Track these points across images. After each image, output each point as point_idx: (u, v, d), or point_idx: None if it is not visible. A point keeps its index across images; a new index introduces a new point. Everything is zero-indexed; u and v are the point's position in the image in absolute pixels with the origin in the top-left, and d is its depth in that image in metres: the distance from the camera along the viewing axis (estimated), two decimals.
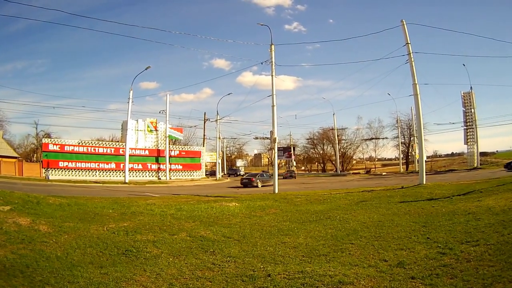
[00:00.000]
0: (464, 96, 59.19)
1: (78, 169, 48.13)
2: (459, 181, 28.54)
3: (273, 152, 29.88)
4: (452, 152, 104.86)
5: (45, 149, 46.99)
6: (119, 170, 49.81)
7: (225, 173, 79.57)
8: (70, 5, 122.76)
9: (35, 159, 74.49)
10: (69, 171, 47.26)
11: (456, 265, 6.45)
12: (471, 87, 58.15)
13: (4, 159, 49.03)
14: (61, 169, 46.76)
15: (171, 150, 56.78)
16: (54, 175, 45.42)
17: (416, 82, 26.71)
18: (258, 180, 39.47)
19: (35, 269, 6.97)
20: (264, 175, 44.93)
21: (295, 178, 62.91)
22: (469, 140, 59.73)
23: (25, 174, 45.64)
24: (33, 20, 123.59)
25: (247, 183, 39.20)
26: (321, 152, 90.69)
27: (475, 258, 6.75)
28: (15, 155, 56.23)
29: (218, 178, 59.02)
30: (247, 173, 59.96)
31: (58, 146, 47.56)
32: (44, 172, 46.11)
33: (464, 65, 56.41)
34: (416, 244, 8.30)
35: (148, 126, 55.50)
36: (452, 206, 13.68)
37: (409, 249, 7.96)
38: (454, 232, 9.11)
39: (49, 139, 52.02)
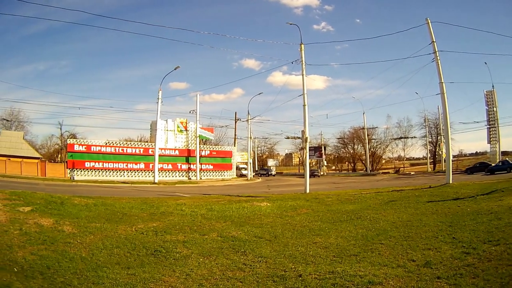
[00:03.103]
0: (487, 95, 59.64)
1: (105, 170, 49.49)
2: (482, 180, 29.11)
3: (305, 151, 29.85)
4: (476, 151, 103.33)
5: (70, 149, 48.50)
6: (148, 170, 50.89)
7: (257, 172, 79.91)
8: (94, 6, 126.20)
9: (59, 159, 76.73)
10: (95, 172, 48.65)
11: (478, 265, 6.67)
12: (492, 86, 59.03)
13: (25, 160, 50.53)
14: (87, 169, 48.19)
15: (202, 150, 57.43)
16: (79, 176, 46.77)
17: (442, 81, 27.14)
18: None
19: (56, 270, 7.09)
20: None
21: (318, 177, 64.48)
22: (492, 139, 60.03)
23: (48, 175, 46.90)
24: (54, 22, 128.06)
25: None
26: (351, 151, 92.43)
27: (495, 257, 7.00)
28: (37, 155, 57.76)
29: (249, 178, 59.30)
30: (278, 172, 59.81)
31: (84, 146, 48.99)
32: (69, 173, 47.46)
33: (486, 63, 56.15)
34: (442, 244, 8.54)
35: (178, 126, 56.42)
36: (476, 205, 14.05)
37: (436, 249, 8.17)
38: (478, 232, 9.38)
39: (75, 140, 53.63)
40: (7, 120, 64.11)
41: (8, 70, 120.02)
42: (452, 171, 29.19)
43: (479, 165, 50.91)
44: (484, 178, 34.76)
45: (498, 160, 52.03)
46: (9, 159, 49.23)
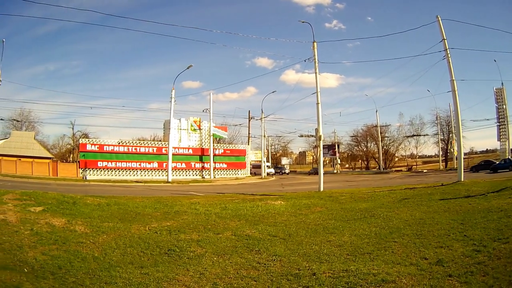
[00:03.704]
0: (496, 92, 60.03)
1: (118, 169, 49.92)
2: (492, 178, 29.41)
3: (318, 149, 29.81)
4: (487, 149, 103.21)
5: (83, 149, 49.02)
6: (161, 170, 51.21)
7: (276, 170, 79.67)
8: (106, 6, 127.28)
9: (71, 159, 77.49)
10: (108, 171, 49.11)
11: (488, 263, 6.79)
12: (502, 83, 59.09)
13: (36, 160, 51.02)
14: (99, 169, 48.66)
15: (216, 149, 57.68)
16: (92, 175, 47.17)
17: (454, 78, 26.91)
18: None
19: (68, 270, 7.11)
20: None
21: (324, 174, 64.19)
22: (502, 137, 60.48)
23: (60, 175, 47.32)
24: (65, 22, 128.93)
25: None
26: (364, 149, 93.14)
27: (505, 255, 7.12)
28: (49, 155, 58.37)
29: (263, 177, 59.35)
30: (292, 171, 59.82)
31: (96, 146, 49.44)
32: (82, 173, 47.94)
33: (495, 61, 56.59)
34: (454, 242, 8.61)
35: (191, 125, 56.74)
36: (487, 203, 14.11)
37: (447, 246, 8.25)
38: (488, 230, 9.46)
39: (87, 139, 54.11)
40: (18, 121, 64.81)
41: (18, 70, 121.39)
42: (463, 169, 29.03)
43: (484, 163, 50.76)
44: (488, 176, 34.89)
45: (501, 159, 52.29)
46: (20, 160, 49.79)
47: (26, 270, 6.85)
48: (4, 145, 53.37)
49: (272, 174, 68.65)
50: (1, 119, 49.12)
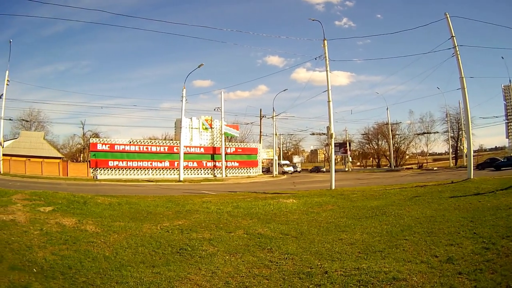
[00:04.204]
0: (504, 89, 61.10)
1: (129, 168, 50.09)
2: (501, 175, 29.48)
3: (330, 148, 29.78)
4: (496, 146, 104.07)
5: (93, 149, 49.21)
6: (173, 168, 51.37)
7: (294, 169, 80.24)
8: (115, 5, 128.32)
9: (81, 159, 78.24)
10: (119, 170, 49.34)
11: (497, 260, 6.89)
12: (510, 80, 59.62)
13: (46, 160, 51.69)
14: (110, 168, 48.90)
15: (227, 147, 57.90)
16: (103, 175, 47.53)
17: (463, 76, 27.29)
18: None
19: (78, 270, 7.13)
20: None
21: (324, 172, 70.85)
22: (510, 134, 61.78)
23: (70, 174, 47.88)
24: (73, 23, 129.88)
25: None
26: (375, 147, 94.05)
27: None
28: (59, 155, 58.94)
29: (275, 175, 59.51)
30: (304, 169, 60.42)
31: (107, 145, 49.73)
32: (92, 172, 48.34)
33: (502, 58, 56.71)
34: (464, 239, 8.69)
35: (203, 124, 56.85)
36: (496, 200, 14.30)
37: (457, 244, 8.33)
38: (497, 227, 9.53)
39: (98, 139, 54.46)
40: (27, 121, 65.44)
41: (27, 71, 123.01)
42: (473, 166, 29.43)
43: (489, 161, 51.20)
44: (496, 173, 35.06)
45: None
46: (29, 160, 50.35)
47: (35, 270, 6.87)
48: (13, 145, 54.09)
49: (291, 173, 68.78)
50: (10, 119, 49.30)
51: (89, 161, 50.96)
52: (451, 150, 77.95)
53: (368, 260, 7.53)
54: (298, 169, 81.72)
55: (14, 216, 10.72)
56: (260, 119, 65.01)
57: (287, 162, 75.23)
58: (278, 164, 68.42)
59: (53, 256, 7.82)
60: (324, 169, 77.63)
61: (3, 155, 45.89)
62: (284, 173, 66.48)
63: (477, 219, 10.90)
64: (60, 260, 7.60)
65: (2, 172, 42.83)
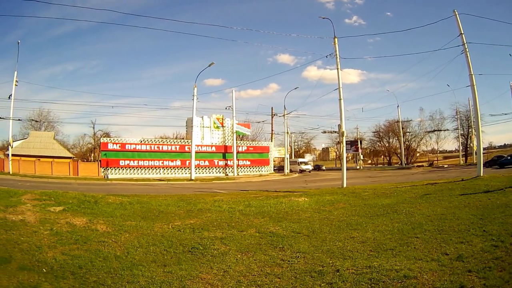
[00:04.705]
0: None
1: (140, 167, 50.50)
2: (510, 173, 29.95)
3: (341, 145, 29.75)
4: (505, 143, 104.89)
5: (104, 148, 49.65)
6: (184, 167, 51.54)
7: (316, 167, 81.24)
8: (124, 5, 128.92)
9: (92, 158, 78.68)
10: (130, 170, 49.72)
11: (505, 258, 7.02)
12: None
13: (56, 160, 51.93)
14: (121, 168, 49.29)
15: (239, 146, 58.08)
16: (114, 174, 47.99)
17: (472, 73, 27.14)
18: None
19: (89, 269, 7.13)
20: None
21: (324, 170, 75.09)
22: None
23: (81, 174, 48.01)
24: (83, 23, 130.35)
25: None
26: (386, 145, 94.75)
27: None
28: (69, 155, 59.40)
29: (286, 173, 59.40)
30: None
31: (118, 145, 50.17)
32: (103, 172, 48.66)
33: (510, 55, 56.10)
34: (473, 237, 8.81)
35: (214, 123, 57.05)
36: (505, 198, 14.56)
37: (467, 242, 8.45)
38: (506, 225, 9.75)
39: (108, 138, 55.00)
40: (36, 121, 66.14)
41: (36, 71, 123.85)
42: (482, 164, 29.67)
43: (496, 159, 51.82)
44: (504, 171, 35.45)
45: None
46: (39, 159, 50.64)
47: (44, 270, 6.89)
48: (22, 146, 54.61)
49: (309, 171, 68.87)
50: (19, 120, 49.71)
51: (100, 160, 51.33)
52: (461, 148, 78.74)
53: (380, 258, 7.62)
54: (310, 168, 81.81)
55: (23, 216, 10.82)
56: (272, 117, 65.21)
57: (305, 160, 75.29)
58: (296, 162, 69.20)
59: (63, 256, 7.83)
60: (324, 167, 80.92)
61: (12, 155, 46.28)
62: (301, 171, 66.43)
63: (486, 216, 11.10)
64: (70, 260, 7.61)
65: (11, 173, 43.17)
